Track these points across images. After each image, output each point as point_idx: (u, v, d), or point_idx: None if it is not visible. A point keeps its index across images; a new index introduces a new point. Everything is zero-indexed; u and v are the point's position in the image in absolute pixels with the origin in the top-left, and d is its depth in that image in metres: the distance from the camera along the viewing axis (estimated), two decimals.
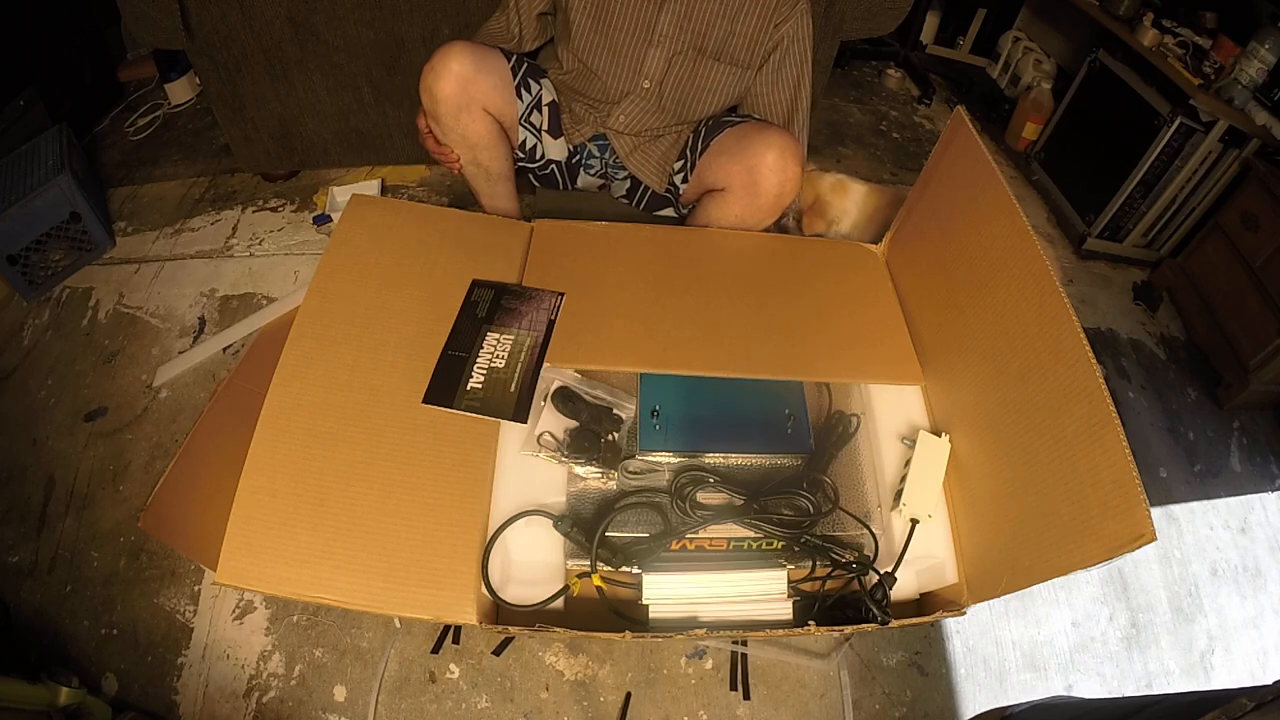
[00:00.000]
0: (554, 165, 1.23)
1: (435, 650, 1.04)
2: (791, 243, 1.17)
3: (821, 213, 1.29)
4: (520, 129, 1.15)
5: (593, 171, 1.25)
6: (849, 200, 1.30)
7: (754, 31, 1.08)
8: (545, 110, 1.16)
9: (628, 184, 1.26)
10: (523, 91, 1.12)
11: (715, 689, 1.04)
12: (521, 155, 1.20)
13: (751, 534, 0.83)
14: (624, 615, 0.79)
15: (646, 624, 0.80)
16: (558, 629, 0.75)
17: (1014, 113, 2.09)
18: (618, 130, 1.18)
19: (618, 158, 1.21)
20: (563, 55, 1.16)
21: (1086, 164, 1.81)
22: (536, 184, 1.29)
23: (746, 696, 1.03)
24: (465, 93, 1.05)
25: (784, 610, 0.81)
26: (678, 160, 1.18)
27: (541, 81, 1.15)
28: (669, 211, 1.28)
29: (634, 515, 0.83)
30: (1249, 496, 1.41)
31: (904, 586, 0.88)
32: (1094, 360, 0.69)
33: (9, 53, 1.64)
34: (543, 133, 1.18)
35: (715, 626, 0.80)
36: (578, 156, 1.23)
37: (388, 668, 1.03)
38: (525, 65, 1.13)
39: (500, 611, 0.81)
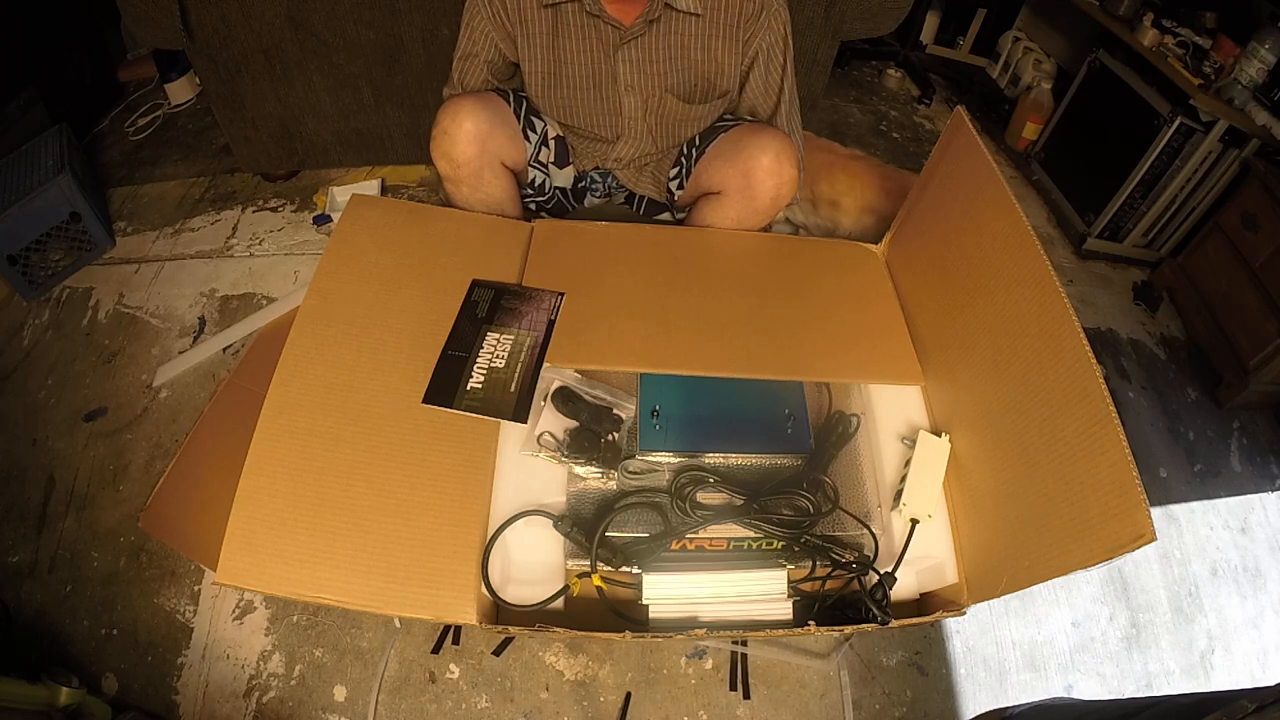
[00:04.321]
0: (559, 193, 1.21)
1: (435, 650, 1.04)
2: (791, 243, 1.17)
3: (830, 182, 1.31)
4: (529, 169, 1.12)
5: (597, 195, 1.25)
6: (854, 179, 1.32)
7: (722, 56, 1.03)
8: (552, 144, 1.14)
9: (625, 193, 1.26)
10: (529, 133, 1.09)
11: (715, 689, 1.04)
12: (530, 191, 1.16)
13: (751, 534, 0.83)
14: (624, 615, 0.79)
15: (646, 624, 0.80)
16: (558, 629, 0.75)
17: (1014, 113, 2.09)
18: (619, 164, 1.17)
19: (619, 182, 1.21)
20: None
21: (1086, 164, 1.81)
22: (544, 215, 1.24)
23: (746, 696, 1.03)
24: (485, 152, 1.01)
25: (784, 610, 0.81)
26: (673, 168, 1.17)
27: (543, 116, 1.12)
28: (666, 216, 1.28)
29: (634, 515, 0.83)
30: (1249, 496, 1.41)
31: (904, 586, 0.88)
32: (1094, 360, 0.69)
33: (9, 53, 1.64)
34: (549, 165, 1.15)
35: (715, 626, 0.80)
36: (583, 182, 1.22)
37: (388, 668, 1.03)
38: (525, 103, 1.09)
39: (500, 611, 0.81)
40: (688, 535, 0.82)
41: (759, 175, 1.02)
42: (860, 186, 1.33)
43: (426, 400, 0.86)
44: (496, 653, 1.04)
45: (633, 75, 1.04)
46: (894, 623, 0.79)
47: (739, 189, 1.05)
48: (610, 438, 0.89)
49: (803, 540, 0.82)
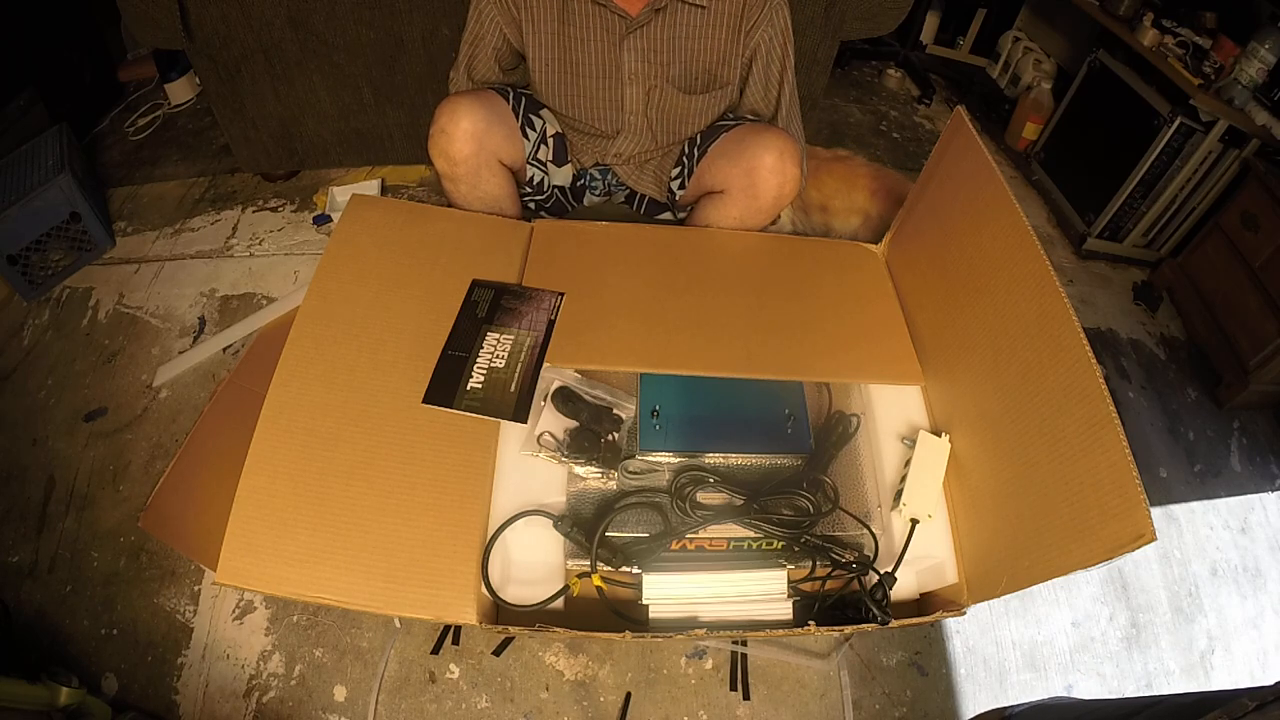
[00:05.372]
0: (559, 191, 1.21)
1: (435, 650, 1.04)
2: (791, 243, 1.17)
3: (819, 186, 1.31)
4: (528, 167, 1.12)
5: (596, 193, 1.25)
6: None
7: (724, 47, 1.04)
8: (550, 142, 1.14)
9: (625, 191, 1.26)
10: (527, 130, 1.09)
11: (715, 689, 1.04)
12: (529, 190, 1.16)
13: (751, 534, 0.83)
14: (624, 615, 0.79)
15: (646, 624, 0.80)
16: (558, 629, 0.75)
17: (1014, 113, 2.09)
18: (619, 160, 1.17)
19: (619, 180, 1.21)
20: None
21: (1086, 164, 1.81)
22: (544, 214, 1.24)
23: (746, 696, 1.03)
24: (482, 150, 1.02)
25: (784, 610, 0.81)
26: (674, 167, 1.18)
27: (542, 113, 1.12)
28: (667, 215, 1.28)
29: (634, 515, 0.83)
30: (1249, 496, 1.41)
31: (904, 586, 0.88)
32: (1094, 360, 0.69)
33: (9, 53, 1.64)
34: (548, 164, 1.15)
35: (715, 626, 0.80)
36: (581, 180, 1.22)
37: (388, 668, 1.03)
38: (524, 100, 1.10)
39: (500, 611, 0.81)
40: (688, 535, 0.82)
41: (762, 174, 1.03)
42: (847, 188, 1.32)
43: (426, 400, 0.85)
44: (496, 653, 1.04)
45: (636, 64, 1.05)
46: (894, 623, 0.79)
47: (742, 188, 1.05)
48: (610, 438, 0.89)
49: (803, 540, 0.82)
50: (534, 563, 0.82)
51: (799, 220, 1.37)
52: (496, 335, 0.93)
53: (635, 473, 0.87)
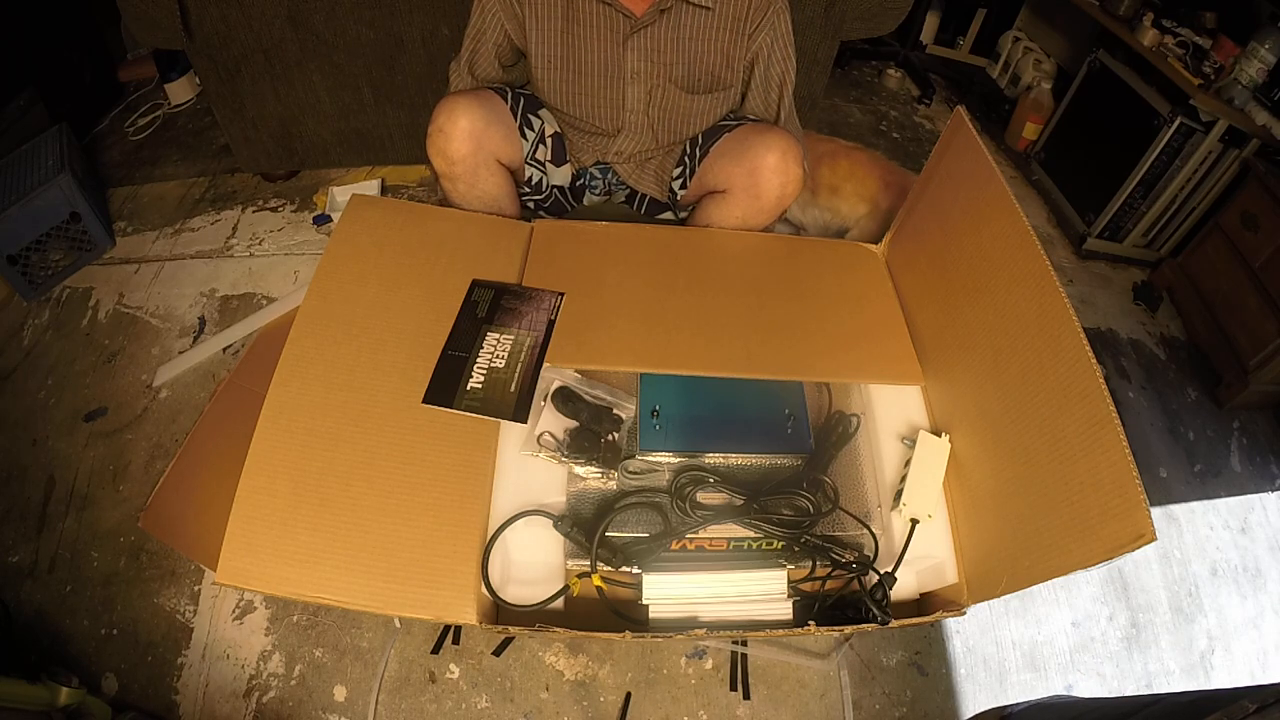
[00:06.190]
0: (558, 191, 1.21)
1: (435, 650, 1.04)
2: (791, 243, 1.17)
3: (832, 167, 1.32)
4: (526, 167, 1.12)
5: (596, 192, 1.25)
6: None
7: (728, 49, 1.04)
8: (549, 142, 1.14)
9: (626, 191, 1.26)
10: (526, 130, 1.09)
11: (715, 689, 1.04)
12: (527, 190, 1.16)
13: (751, 534, 0.83)
14: (624, 615, 0.79)
15: (646, 624, 0.80)
16: (558, 629, 0.75)
17: (1014, 113, 2.09)
18: (619, 159, 1.17)
19: (620, 178, 1.21)
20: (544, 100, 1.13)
21: (1086, 164, 1.81)
22: (543, 214, 1.23)
23: (746, 696, 1.03)
24: (480, 149, 1.02)
25: (784, 610, 0.81)
26: (676, 167, 1.18)
27: (540, 113, 1.12)
28: (668, 215, 1.28)
29: (634, 515, 0.83)
30: (1249, 496, 1.41)
31: (904, 586, 0.88)
32: (1094, 360, 0.69)
33: (9, 53, 1.64)
34: (547, 164, 1.15)
35: (715, 626, 0.80)
36: (581, 180, 1.22)
37: (388, 668, 1.03)
38: (522, 100, 1.09)
39: (500, 611, 0.81)
40: (688, 535, 0.82)
41: (765, 174, 1.03)
42: (862, 174, 1.33)
43: (426, 400, 0.85)
44: (496, 653, 1.04)
45: (640, 64, 1.05)
46: (894, 623, 0.79)
47: (745, 187, 1.05)
48: (610, 438, 0.89)
49: (803, 540, 0.82)
50: (534, 563, 0.82)
51: (804, 201, 1.37)
52: (496, 335, 0.93)
53: (635, 473, 0.87)
